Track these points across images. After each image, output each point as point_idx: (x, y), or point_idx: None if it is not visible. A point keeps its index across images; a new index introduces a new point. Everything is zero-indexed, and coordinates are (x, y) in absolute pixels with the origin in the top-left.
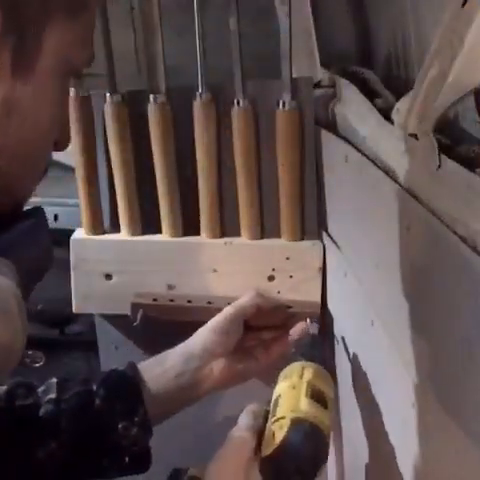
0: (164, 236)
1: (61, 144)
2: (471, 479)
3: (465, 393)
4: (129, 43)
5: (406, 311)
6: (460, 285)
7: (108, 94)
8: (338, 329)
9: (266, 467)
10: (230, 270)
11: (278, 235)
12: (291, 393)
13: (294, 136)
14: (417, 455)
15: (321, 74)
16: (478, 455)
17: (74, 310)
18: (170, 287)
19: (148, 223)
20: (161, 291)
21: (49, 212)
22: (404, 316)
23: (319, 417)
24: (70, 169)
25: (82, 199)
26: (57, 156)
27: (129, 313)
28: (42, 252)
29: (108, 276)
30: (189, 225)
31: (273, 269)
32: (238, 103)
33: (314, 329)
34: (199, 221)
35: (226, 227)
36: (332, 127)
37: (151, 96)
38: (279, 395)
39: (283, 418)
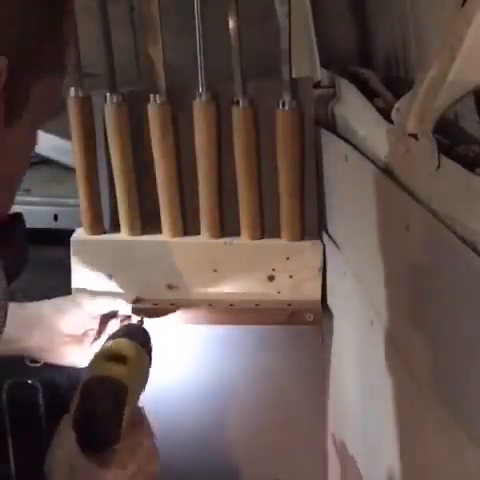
0: (164, 236)
1: None
2: (471, 479)
3: (465, 393)
4: (129, 43)
5: (406, 311)
6: (460, 285)
7: (108, 94)
8: (338, 329)
9: (76, 435)
10: (230, 270)
11: (278, 235)
12: (90, 362)
13: (294, 136)
14: (417, 455)
15: (321, 74)
16: (478, 455)
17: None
18: (170, 287)
19: (148, 223)
20: (161, 291)
21: (49, 212)
22: (404, 316)
23: (114, 370)
24: (70, 169)
25: (82, 199)
26: (57, 156)
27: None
28: (19, 255)
29: (108, 276)
30: (189, 225)
31: (273, 269)
32: (238, 103)
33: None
34: (199, 221)
35: (226, 227)
36: (332, 127)
37: (151, 96)
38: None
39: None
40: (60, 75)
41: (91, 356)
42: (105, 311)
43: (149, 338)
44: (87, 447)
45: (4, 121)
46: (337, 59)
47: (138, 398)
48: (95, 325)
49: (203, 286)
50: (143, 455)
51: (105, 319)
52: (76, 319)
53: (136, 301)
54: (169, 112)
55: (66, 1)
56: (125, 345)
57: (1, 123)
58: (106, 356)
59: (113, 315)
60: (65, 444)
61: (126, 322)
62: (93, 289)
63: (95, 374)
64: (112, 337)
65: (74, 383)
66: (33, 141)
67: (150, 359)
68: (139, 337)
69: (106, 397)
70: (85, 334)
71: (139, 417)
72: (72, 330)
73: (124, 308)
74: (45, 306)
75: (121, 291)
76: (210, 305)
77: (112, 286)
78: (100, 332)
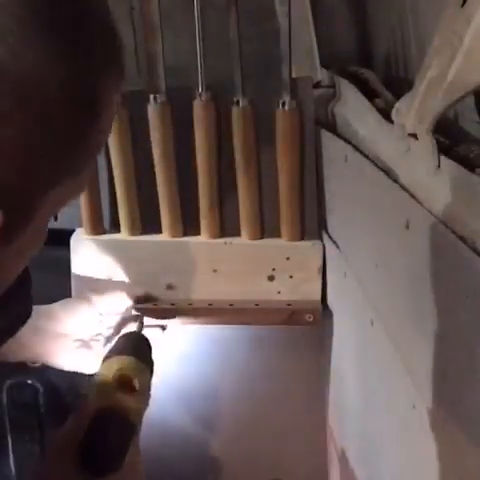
0: (164, 236)
1: None
2: (471, 479)
3: (465, 393)
4: (129, 43)
5: (406, 311)
6: (460, 285)
7: None
8: (338, 329)
9: (78, 458)
10: (230, 270)
11: (278, 235)
12: (98, 387)
13: (294, 136)
14: (417, 455)
15: (321, 74)
16: (478, 455)
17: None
18: (170, 287)
19: (148, 223)
20: (161, 291)
21: None
22: (404, 316)
23: (124, 401)
24: None
25: (82, 199)
26: None
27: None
28: (23, 308)
29: (108, 276)
30: (189, 225)
31: (273, 269)
32: (238, 103)
33: (138, 327)
34: (199, 221)
35: (226, 227)
36: (332, 127)
37: (151, 96)
38: (89, 392)
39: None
40: (80, 176)
41: (98, 363)
42: (112, 311)
43: (151, 350)
44: (88, 474)
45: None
46: (337, 59)
47: (141, 426)
48: (103, 329)
49: (203, 286)
50: (139, 477)
51: (115, 324)
52: (84, 322)
53: (136, 301)
54: (169, 112)
55: (100, 119)
56: (134, 369)
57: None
58: (116, 382)
59: (123, 322)
60: (60, 461)
61: (132, 323)
62: (93, 289)
63: (106, 406)
64: (119, 351)
65: (74, 384)
66: (43, 235)
67: (151, 376)
68: (145, 354)
69: (116, 434)
70: (93, 338)
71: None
72: (81, 334)
73: (128, 304)
74: (52, 310)
75: (121, 291)
76: (210, 305)
77: (112, 286)
78: (109, 338)
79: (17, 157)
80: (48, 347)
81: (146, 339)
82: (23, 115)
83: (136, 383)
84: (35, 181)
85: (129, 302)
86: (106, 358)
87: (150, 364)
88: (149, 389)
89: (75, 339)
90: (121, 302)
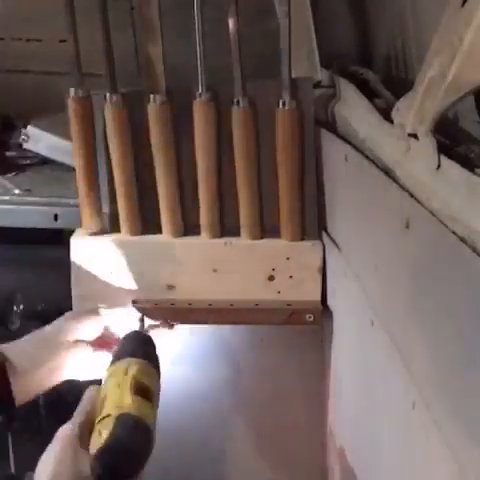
0: (164, 236)
1: None
2: (471, 479)
3: (465, 393)
4: (129, 43)
5: (406, 311)
6: (460, 285)
7: (108, 94)
8: (338, 329)
9: (94, 465)
10: (230, 270)
11: (278, 235)
12: (115, 390)
13: (294, 136)
14: (417, 455)
15: (321, 74)
16: (478, 455)
17: (74, 310)
18: (170, 287)
19: (148, 223)
20: (161, 291)
21: (49, 212)
22: (404, 316)
23: (143, 411)
24: (70, 169)
25: (82, 199)
26: (57, 156)
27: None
28: None
29: (108, 276)
30: (189, 225)
31: (273, 269)
32: (238, 103)
33: (140, 327)
34: (199, 221)
35: (226, 227)
36: (332, 127)
37: (151, 96)
38: (105, 394)
39: (109, 416)
40: None
41: (106, 366)
42: (120, 325)
43: (156, 351)
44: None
45: None
46: (337, 59)
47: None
48: (111, 337)
49: (203, 286)
50: None
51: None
52: (93, 331)
53: (136, 301)
54: (169, 112)
55: None
56: (147, 373)
57: None
58: (133, 388)
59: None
60: (65, 462)
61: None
62: (93, 289)
63: (128, 411)
64: (128, 353)
65: (74, 384)
66: None
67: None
68: (153, 357)
69: (139, 440)
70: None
71: None
72: (91, 341)
73: (136, 317)
74: (61, 322)
75: (121, 291)
76: (210, 305)
77: (112, 286)
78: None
79: None
80: (63, 358)
81: (151, 340)
82: None
83: (152, 389)
84: None
85: (138, 315)
86: (116, 359)
87: (158, 366)
88: (159, 392)
89: (87, 345)
90: (129, 316)
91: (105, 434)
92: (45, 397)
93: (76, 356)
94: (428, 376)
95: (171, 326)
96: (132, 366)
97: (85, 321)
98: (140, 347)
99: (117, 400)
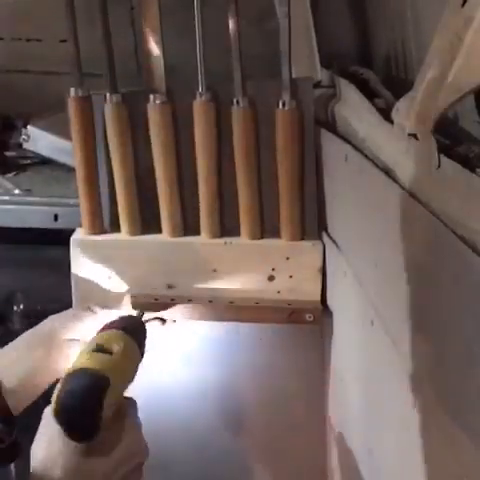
0: (164, 236)
1: None
2: (471, 479)
3: (465, 393)
4: (129, 43)
5: (406, 311)
6: (460, 285)
7: (108, 94)
8: (338, 329)
9: (56, 421)
10: (230, 270)
11: (278, 235)
12: (80, 353)
13: (294, 136)
14: (417, 455)
15: (321, 74)
16: (478, 455)
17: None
18: (170, 287)
19: (148, 223)
20: (161, 291)
21: (49, 212)
22: (404, 316)
23: (96, 362)
24: (70, 169)
25: (82, 199)
26: (57, 156)
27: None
28: None
29: (108, 276)
30: (189, 225)
31: (273, 269)
32: (238, 103)
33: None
34: (199, 221)
35: (226, 227)
36: (332, 127)
37: (151, 96)
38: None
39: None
40: None
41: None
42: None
43: (145, 332)
44: (69, 436)
45: None
46: (337, 59)
47: (123, 390)
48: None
49: (203, 286)
50: (128, 444)
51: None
52: (91, 327)
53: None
54: (169, 112)
55: None
56: (115, 336)
57: None
58: (92, 347)
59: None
60: (48, 435)
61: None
62: (93, 289)
63: (77, 365)
64: (107, 327)
65: None
66: None
67: (142, 354)
68: (133, 330)
69: (84, 389)
70: None
71: (124, 408)
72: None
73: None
74: (58, 320)
75: (121, 291)
76: (210, 301)
77: (112, 286)
78: None
79: None
80: (59, 357)
81: (142, 322)
82: None
83: (114, 347)
84: None
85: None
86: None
87: (139, 341)
88: (134, 362)
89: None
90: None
91: (56, 392)
92: (45, 397)
93: (73, 355)
94: (428, 376)
95: (164, 321)
96: (104, 334)
97: (82, 320)
98: (122, 321)
99: (76, 360)
